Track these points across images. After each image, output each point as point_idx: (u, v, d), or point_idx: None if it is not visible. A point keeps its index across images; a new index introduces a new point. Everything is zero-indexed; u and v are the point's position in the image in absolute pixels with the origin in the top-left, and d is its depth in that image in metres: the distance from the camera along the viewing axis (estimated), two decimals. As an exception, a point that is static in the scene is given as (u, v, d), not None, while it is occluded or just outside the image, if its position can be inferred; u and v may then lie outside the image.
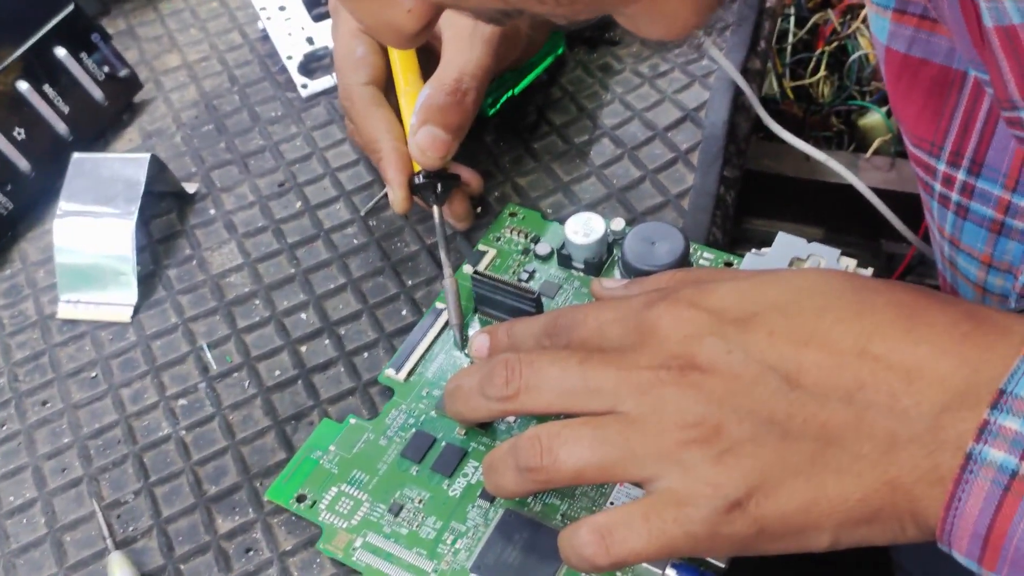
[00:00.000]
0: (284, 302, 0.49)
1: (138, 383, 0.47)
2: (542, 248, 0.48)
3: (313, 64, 0.62)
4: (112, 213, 0.51)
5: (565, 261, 0.47)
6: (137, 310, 0.50)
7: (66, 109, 0.57)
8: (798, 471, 0.30)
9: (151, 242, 0.53)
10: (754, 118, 0.58)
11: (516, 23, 0.49)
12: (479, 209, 0.52)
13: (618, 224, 0.47)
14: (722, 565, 0.35)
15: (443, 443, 0.41)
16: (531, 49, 0.54)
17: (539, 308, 0.43)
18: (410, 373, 0.44)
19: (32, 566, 0.41)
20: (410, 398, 0.43)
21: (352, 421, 0.43)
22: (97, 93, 0.59)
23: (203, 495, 0.42)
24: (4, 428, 0.46)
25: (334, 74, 0.56)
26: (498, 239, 0.49)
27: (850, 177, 0.60)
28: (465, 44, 0.48)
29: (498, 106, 0.54)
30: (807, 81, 0.90)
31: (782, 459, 0.31)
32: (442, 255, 0.46)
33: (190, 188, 0.55)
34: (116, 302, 0.50)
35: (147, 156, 0.52)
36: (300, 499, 0.40)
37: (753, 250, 0.45)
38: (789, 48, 0.89)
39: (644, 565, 0.35)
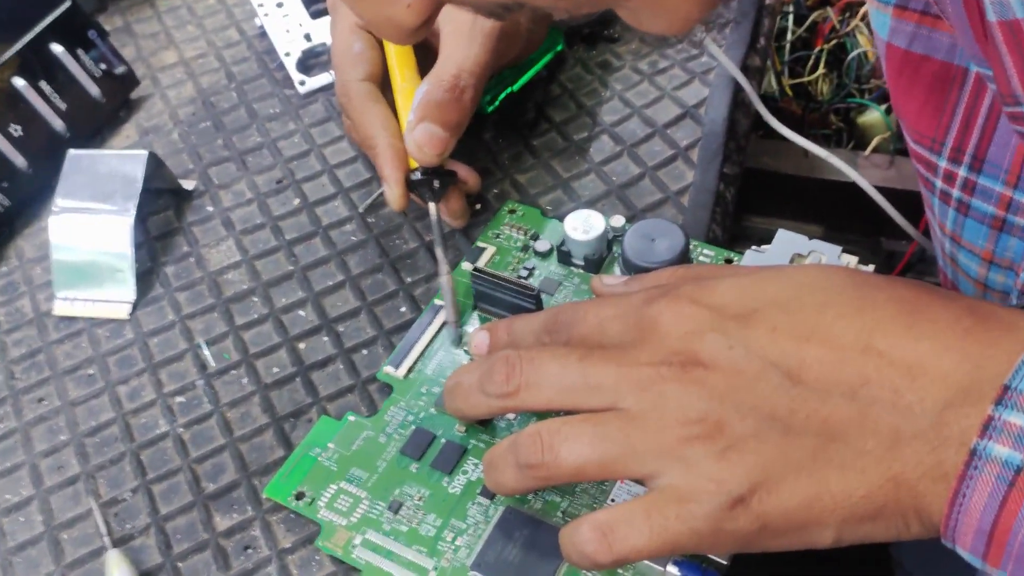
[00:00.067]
0: (282, 299, 0.49)
1: (135, 380, 0.47)
2: (541, 245, 0.47)
3: (311, 61, 0.62)
4: (109, 210, 0.50)
5: (565, 258, 0.47)
6: (135, 307, 0.50)
7: (63, 106, 0.56)
8: (801, 467, 0.30)
9: (148, 239, 0.53)
10: (754, 115, 0.58)
11: (516, 18, 0.49)
12: (477, 206, 0.52)
13: (618, 221, 0.47)
14: (724, 562, 0.35)
15: (443, 440, 0.41)
16: (530, 46, 0.54)
17: (539, 305, 0.43)
18: (409, 370, 0.44)
19: (29, 564, 0.41)
20: (409, 395, 0.43)
21: (351, 418, 0.43)
22: (94, 90, 0.58)
23: (201, 493, 0.42)
24: (0, 425, 0.46)
25: (332, 71, 0.56)
26: (497, 236, 0.49)
27: (851, 173, 0.60)
28: (464, 40, 0.48)
29: (497, 103, 0.54)
30: (806, 79, 0.90)
31: (785, 455, 0.30)
32: (438, 252, 0.46)
33: (188, 185, 0.55)
34: (113, 299, 0.50)
35: (144, 153, 0.51)
36: (299, 496, 0.40)
37: (753, 247, 0.44)
38: (788, 46, 0.89)
39: (646, 562, 0.35)
